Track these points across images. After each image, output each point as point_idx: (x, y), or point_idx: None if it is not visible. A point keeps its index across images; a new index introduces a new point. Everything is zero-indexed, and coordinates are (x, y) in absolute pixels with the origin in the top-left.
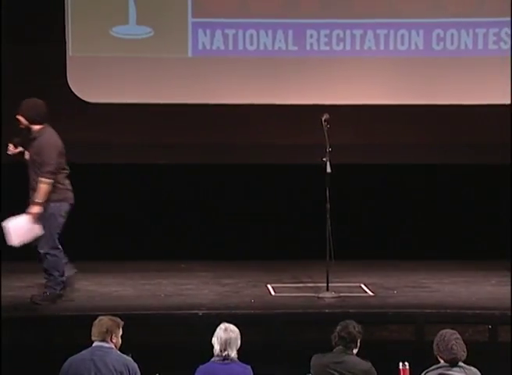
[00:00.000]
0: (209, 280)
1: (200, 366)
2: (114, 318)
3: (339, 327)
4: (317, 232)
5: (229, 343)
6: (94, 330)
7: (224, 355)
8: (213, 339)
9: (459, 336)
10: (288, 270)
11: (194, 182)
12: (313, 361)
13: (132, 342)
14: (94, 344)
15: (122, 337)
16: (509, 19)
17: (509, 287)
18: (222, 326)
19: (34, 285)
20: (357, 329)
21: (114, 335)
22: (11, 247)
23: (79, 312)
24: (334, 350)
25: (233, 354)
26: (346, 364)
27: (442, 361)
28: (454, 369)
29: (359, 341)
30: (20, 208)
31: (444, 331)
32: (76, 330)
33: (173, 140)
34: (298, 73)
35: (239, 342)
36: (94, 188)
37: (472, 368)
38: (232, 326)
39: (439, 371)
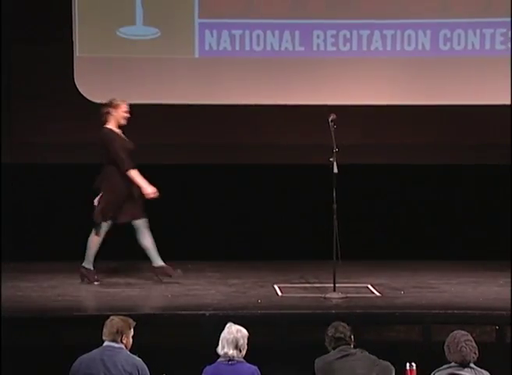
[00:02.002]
0: (216, 281)
1: (207, 367)
2: (125, 318)
3: (330, 331)
4: (324, 232)
5: (236, 343)
6: (105, 330)
7: (230, 355)
8: (220, 339)
9: (470, 338)
10: (295, 271)
11: (202, 182)
12: (316, 364)
13: (138, 342)
14: (104, 344)
15: (133, 337)
16: None
17: None
18: (229, 326)
19: (41, 286)
20: (346, 327)
21: (125, 336)
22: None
23: (86, 312)
24: (335, 350)
25: (240, 354)
26: (352, 356)
27: (452, 362)
28: (465, 369)
29: (352, 336)
30: (21, 208)
31: (455, 332)
32: (83, 329)
33: (180, 140)
34: (305, 73)
35: (246, 343)
36: None
37: (484, 371)
38: (239, 327)
39: (450, 371)
